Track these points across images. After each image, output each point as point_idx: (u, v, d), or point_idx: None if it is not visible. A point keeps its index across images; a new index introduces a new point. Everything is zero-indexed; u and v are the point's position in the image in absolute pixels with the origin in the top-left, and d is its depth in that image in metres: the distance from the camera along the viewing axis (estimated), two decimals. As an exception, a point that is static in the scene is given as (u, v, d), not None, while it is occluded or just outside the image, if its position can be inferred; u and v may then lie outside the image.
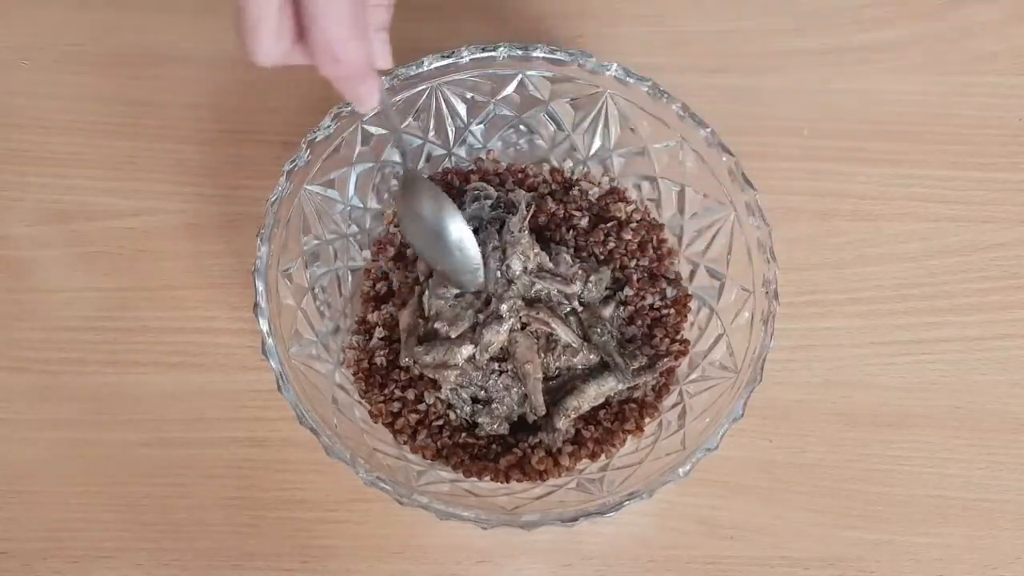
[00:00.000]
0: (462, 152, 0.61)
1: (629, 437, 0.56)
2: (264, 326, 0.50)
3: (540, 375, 0.55)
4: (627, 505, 0.49)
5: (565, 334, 0.55)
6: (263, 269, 0.51)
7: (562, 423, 0.55)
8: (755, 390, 0.51)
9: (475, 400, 0.56)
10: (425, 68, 0.54)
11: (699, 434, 0.52)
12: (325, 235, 0.57)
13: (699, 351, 0.57)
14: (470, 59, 0.55)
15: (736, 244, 0.55)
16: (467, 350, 0.54)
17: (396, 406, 0.56)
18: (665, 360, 0.56)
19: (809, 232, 0.64)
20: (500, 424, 0.56)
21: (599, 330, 0.56)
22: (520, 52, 0.54)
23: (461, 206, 0.56)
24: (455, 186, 0.60)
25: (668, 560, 0.59)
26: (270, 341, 0.50)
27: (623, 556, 0.59)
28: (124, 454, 0.60)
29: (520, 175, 0.60)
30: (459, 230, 0.51)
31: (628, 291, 0.58)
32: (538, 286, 0.55)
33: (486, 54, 0.55)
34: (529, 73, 0.56)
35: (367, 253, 0.60)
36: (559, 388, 0.56)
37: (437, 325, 0.55)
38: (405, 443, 0.55)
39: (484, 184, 0.59)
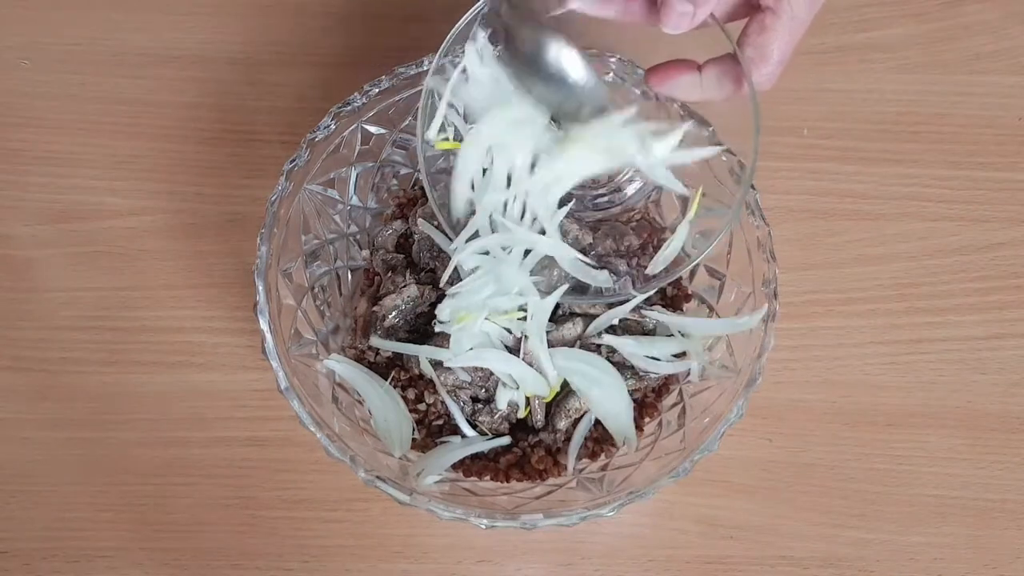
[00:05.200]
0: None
1: (629, 437, 0.56)
2: (264, 326, 0.50)
3: None
4: (627, 505, 0.49)
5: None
6: (263, 269, 0.51)
7: (562, 423, 0.55)
8: (755, 390, 0.51)
9: (475, 400, 0.56)
10: (425, 68, 0.54)
11: (699, 434, 0.52)
12: (325, 235, 0.57)
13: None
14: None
15: (736, 244, 0.55)
16: None
17: (396, 406, 0.56)
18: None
19: (809, 232, 0.64)
20: (500, 423, 0.56)
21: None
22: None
23: None
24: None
25: (668, 560, 0.59)
26: (270, 341, 0.50)
27: (623, 556, 0.59)
28: (124, 454, 0.60)
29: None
30: (564, 58, 0.44)
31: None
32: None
33: None
34: None
35: (367, 252, 0.60)
36: (560, 387, 0.56)
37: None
38: (405, 442, 0.55)
39: None
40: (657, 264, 0.50)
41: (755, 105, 0.44)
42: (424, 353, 0.53)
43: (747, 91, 0.44)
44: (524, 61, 0.44)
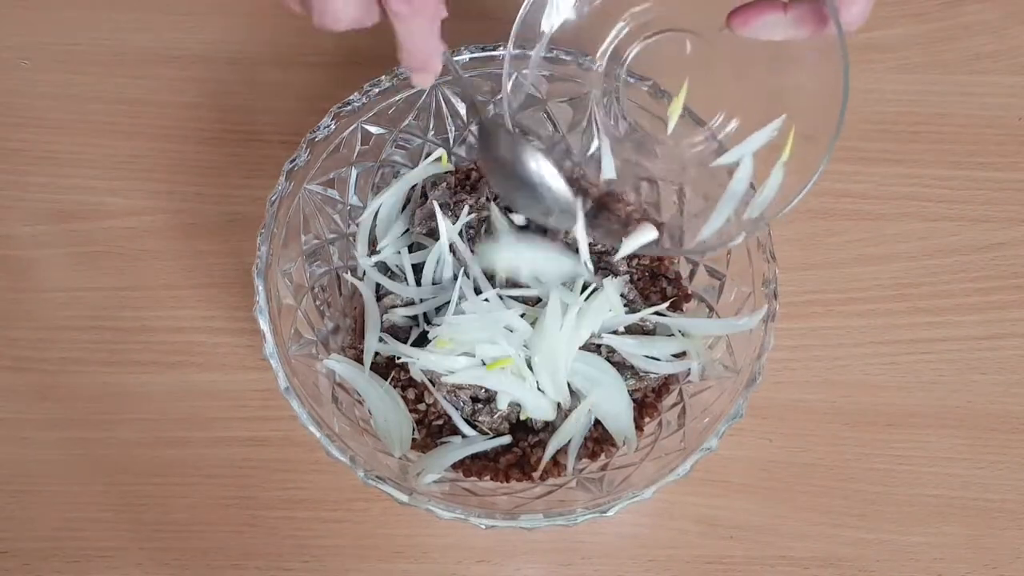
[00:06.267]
0: (462, 152, 0.61)
1: (629, 437, 0.56)
2: (264, 326, 0.50)
3: None
4: (627, 505, 0.49)
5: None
6: (263, 269, 0.51)
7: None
8: (755, 390, 0.51)
9: (475, 400, 0.56)
10: (424, 68, 0.54)
11: (699, 434, 0.52)
12: (325, 235, 0.57)
13: (699, 351, 0.57)
14: (470, 59, 0.55)
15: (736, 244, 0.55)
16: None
17: (396, 406, 0.56)
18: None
19: (809, 232, 0.64)
20: (500, 423, 0.56)
21: None
22: (519, 51, 0.54)
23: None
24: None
25: (668, 560, 0.59)
26: (270, 341, 0.50)
27: (623, 556, 0.59)
28: (124, 454, 0.60)
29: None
30: (541, 169, 0.47)
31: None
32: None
33: (486, 54, 0.55)
34: (527, 72, 0.56)
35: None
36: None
37: None
38: (405, 442, 0.55)
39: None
40: (755, 208, 0.49)
41: (843, 46, 0.42)
42: (424, 357, 0.53)
43: (832, 30, 0.43)
44: (500, 165, 0.47)
